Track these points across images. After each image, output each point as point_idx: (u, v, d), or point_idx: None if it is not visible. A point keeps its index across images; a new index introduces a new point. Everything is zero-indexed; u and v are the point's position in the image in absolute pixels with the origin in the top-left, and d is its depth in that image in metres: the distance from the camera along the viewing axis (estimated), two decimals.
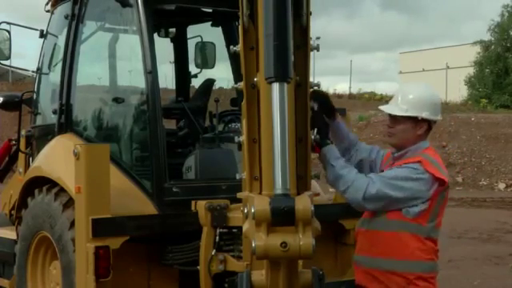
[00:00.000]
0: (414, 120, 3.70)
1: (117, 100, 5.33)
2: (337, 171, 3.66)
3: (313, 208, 3.02)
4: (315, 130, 3.54)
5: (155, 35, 5.79)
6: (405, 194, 3.58)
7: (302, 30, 3.33)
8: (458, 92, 38.35)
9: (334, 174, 3.66)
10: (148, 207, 4.82)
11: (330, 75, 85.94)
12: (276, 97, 3.06)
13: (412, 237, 3.61)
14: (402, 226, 3.61)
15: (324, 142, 3.70)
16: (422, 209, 3.60)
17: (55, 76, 5.71)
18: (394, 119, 3.75)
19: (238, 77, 5.54)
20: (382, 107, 3.90)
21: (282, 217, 2.97)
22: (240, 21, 3.35)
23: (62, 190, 4.88)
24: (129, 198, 4.84)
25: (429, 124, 3.75)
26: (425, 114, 3.69)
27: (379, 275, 3.68)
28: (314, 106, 3.69)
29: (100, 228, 4.41)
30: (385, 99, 31.11)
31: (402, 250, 3.62)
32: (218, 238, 4.36)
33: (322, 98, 3.78)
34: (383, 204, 3.62)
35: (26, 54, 36.30)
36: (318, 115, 3.70)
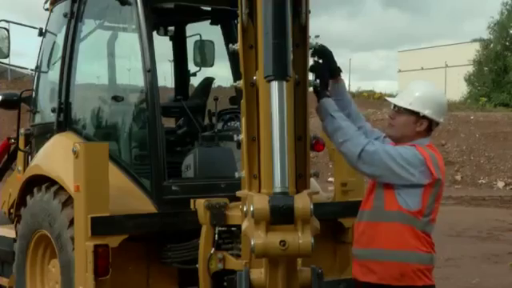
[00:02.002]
0: (415, 115, 3.71)
1: (116, 98, 5.33)
2: (338, 122, 3.61)
3: (312, 206, 3.02)
4: (314, 76, 3.52)
5: (154, 33, 5.78)
6: (398, 167, 3.55)
7: (301, 29, 3.33)
8: (458, 90, 38.35)
9: (334, 125, 3.61)
10: (147, 206, 4.82)
11: None
12: (275, 95, 3.06)
13: (408, 228, 3.61)
14: (399, 216, 3.61)
15: (323, 93, 3.66)
16: (417, 200, 3.59)
17: (54, 74, 5.70)
18: (397, 111, 3.77)
19: (237, 75, 5.54)
20: (388, 98, 3.93)
21: (281, 215, 2.97)
22: (239, 19, 3.35)
23: (61, 188, 4.88)
24: (128, 196, 4.83)
25: (430, 123, 3.76)
26: (427, 112, 3.71)
27: (374, 266, 3.67)
28: (318, 61, 3.65)
29: (99, 226, 4.41)
30: (383, 97, 31.15)
31: (398, 241, 3.62)
32: (217, 236, 4.35)
33: (327, 55, 3.71)
34: (375, 170, 3.59)
35: (26, 53, 36.26)
36: (322, 65, 3.65)
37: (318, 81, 3.60)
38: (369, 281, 3.69)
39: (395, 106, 3.78)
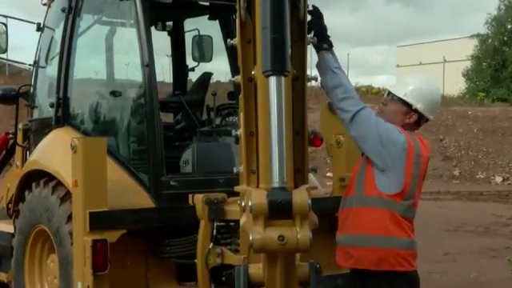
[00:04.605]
0: (407, 107, 3.75)
1: (114, 93, 5.32)
2: (340, 79, 3.67)
3: (310, 201, 3.03)
4: (312, 33, 3.53)
5: (152, 28, 5.77)
6: (386, 134, 3.61)
7: (300, 24, 3.33)
8: (456, 85, 38.32)
9: (337, 81, 3.66)
10: (145, 201, 4.83)
11: None
12: (273, 90, 3.06)
13: (388, 213, 3.64)
14: (378, 201, 3.64)
15: (321, 46, 3.67)
16: (398, 180, 3.62)
17: (52, 69, 5.70)
18: (391, 99, 3.81)
19: (235, 70, 5.54)
20: (387, 87, 3.97)
21: (279, 210, 2.97)
22: (237, 14, 3.35)
23: (60, 183, 4.88)
24: (126, 191, 4.83)
25: (419, 118, 3.78)
26: (419, 106, 3.75)
27: (354, 251, 3.71)
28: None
29: (97, 221, 4.41)
30: (381, 93, 31.15)
31: (376, 226, 3.65)
32: (215, 231, 4.36)
33: (319, 15, 3.69)
34: (363, 132, 3.64)
35: (25, 48, 36.08)
36: (316, 20, 3.64)
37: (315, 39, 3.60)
38: (348, 265, 3.72)
39: (389, 93, 3.82)
